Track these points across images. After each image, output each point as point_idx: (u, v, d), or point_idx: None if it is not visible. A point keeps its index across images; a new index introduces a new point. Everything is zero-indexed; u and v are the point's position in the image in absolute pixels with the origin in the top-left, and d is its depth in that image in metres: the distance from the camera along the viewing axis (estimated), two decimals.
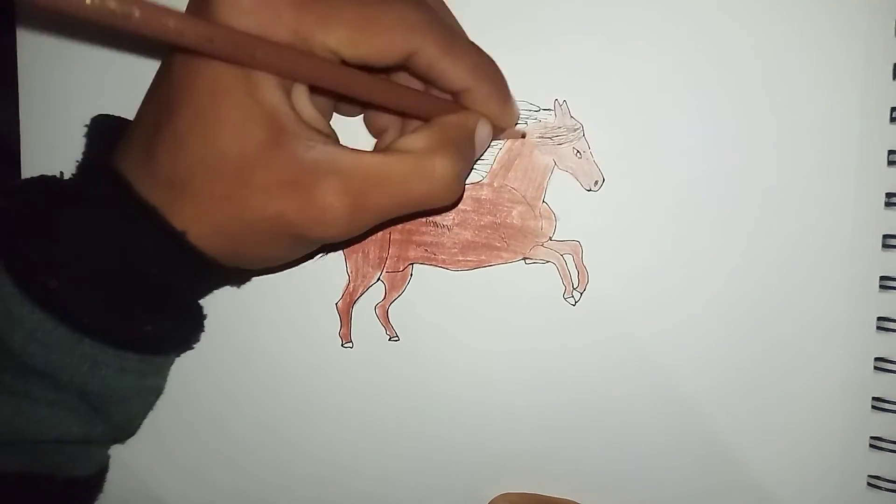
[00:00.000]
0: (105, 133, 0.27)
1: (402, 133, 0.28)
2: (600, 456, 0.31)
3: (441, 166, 0.25)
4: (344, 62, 0.24)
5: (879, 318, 0.30)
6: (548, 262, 0.31)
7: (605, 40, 0.30)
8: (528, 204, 0.31)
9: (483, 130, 0.27)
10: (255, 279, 0.31)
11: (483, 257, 0.31)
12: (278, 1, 0.22)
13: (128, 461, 0.32)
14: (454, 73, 0.25)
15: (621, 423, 0.31)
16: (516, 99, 0.29)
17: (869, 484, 0.30)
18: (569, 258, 0.31)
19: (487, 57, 0.27)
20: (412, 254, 0.31)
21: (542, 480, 0.31)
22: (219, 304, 0.31)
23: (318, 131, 0.24)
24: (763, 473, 0.31)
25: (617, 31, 0.30)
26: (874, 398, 0.30)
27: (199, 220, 0.24)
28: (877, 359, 0.30)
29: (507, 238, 0.31)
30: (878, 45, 0.29)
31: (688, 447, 0.31)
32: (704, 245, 0.30)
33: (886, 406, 0.30)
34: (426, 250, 0.31)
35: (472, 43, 0.27)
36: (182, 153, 0.24)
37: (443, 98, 0.27)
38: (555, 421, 0.31)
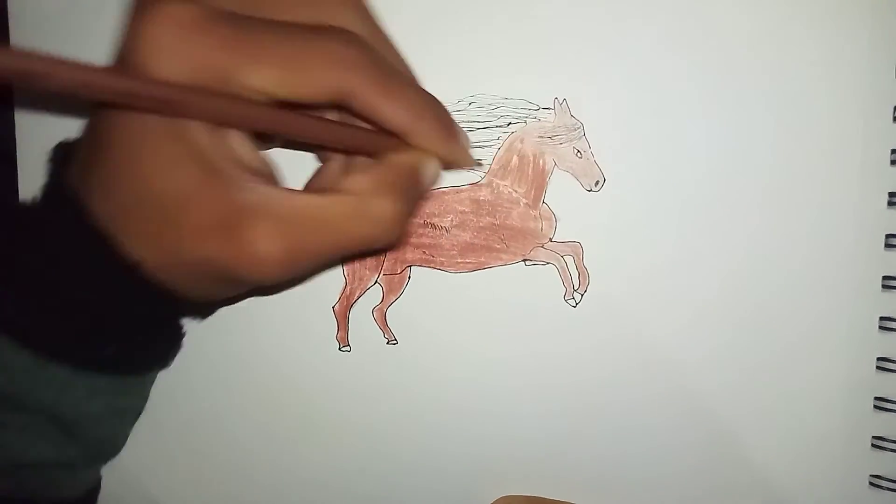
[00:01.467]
0: (67, 155, 0.27)
1: (347, 164, 0.27)
2: (602, 458, 0.31)
3: (381, 209, 0.24)
4: (277, 102, 0.23)
5: (882, 318, 0.30)
6: (548, 263, 0.31)
7: (606, 39, 0.30)
8: (528, 205, 0.31)
9: (429, 170, 0.26)
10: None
11: (482, 259, 0.31)
12: (202, 41, 0.22)
13: (127, 463, 0.32)
14: (392, 113, 0.24)
15: (623, 425, 0.31)
16: (516, 98, 0.29)
17: (871, 483, 0.30)
18: (569, 259, 0.30)
19: (427, 95, 0.26)
20: (410, 256, 0.31)
21: (543, 483, 0.31)
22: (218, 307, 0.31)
23: (256, 171, 0.24)
24: (765, 474, 0.31)
25: (618, 29, 0.30)
26: (876, 398, 0.30)
27: (148, 253, 0.24)
28: (879, 358, 0.30)
29: (507, 239, 0.31)
30: (880, 45, 0.29)
31: (690, 448, 0.31)
32: (706, 245, 0.30)
33: (889, 406, 0.30)
34: (424, 252, 0.31)
35: (413, 81, 0.26)
36: (119, 189, 0.23)
37: (386, 135, 0.25)
38: (556, 423, 0.31)
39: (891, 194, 0.29)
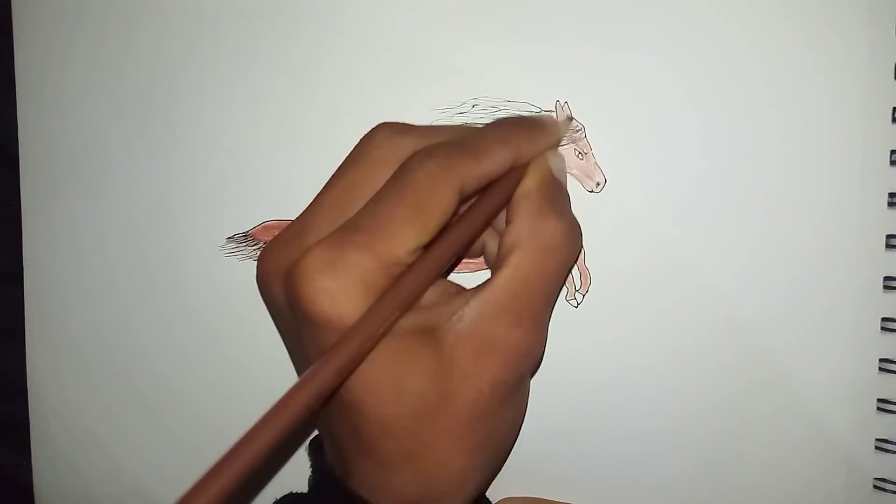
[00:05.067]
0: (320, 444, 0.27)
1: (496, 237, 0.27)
2: (603, 459, 0.31)
3: (552, 230, 0.24)
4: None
5: (884, 319, 0.30)
6: None
7: (607, 41, 0.30)
8: None
9: (553, 164, 0.26)
10: (254, 284, 0.31)
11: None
12: (363, 279, 0.22)
13: (126, 463, 0.32)
14: (491, 168, 0.24)
15: (624, 426, 0.31)
16: (518, 101, 0.29)
17: (875, 486, 0.30)
18: None
19: (489, 127, 0.26)
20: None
21: (545, 484, 0.31)
22: (219, 308, 0.31)
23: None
24: (768, 476, 0.30)
25: (619, 31, 0.30)
26: (879, 400, 0.30)
27: None
28: (881, 360, 0.30)
29: None
30: (880, 46, 0.29)
31: (692, 450, 0.31)
32: (707, 247, 0.30)
33: (892, 408, 0.30)
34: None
35: (470, 131, 0.26)
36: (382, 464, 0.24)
37: (498, 184, 0.25)
38: (558, 424, 0.31)
39: (891, 195, 0.29)
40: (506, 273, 0.24)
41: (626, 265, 0.30)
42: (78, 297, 0.33)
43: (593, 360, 0.31)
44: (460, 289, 0.26)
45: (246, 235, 0.32)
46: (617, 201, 0.30)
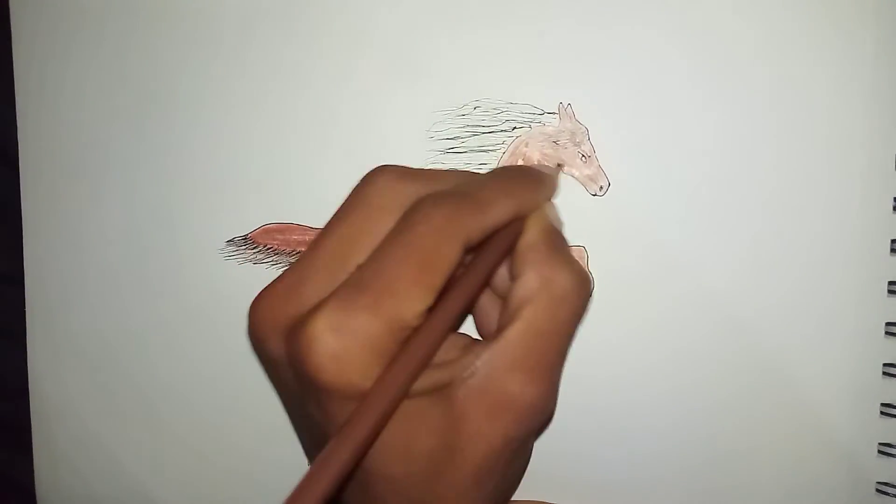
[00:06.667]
0: None
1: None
2: (604, 461, 0.31)
3: (563, 281, 0.23)
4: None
5: (888, 324, 0.29)
6: None
7: (611, 43, 0.30)
8: None
9: (552, 215, 0.26)
10: (254, 286, 0.31)
11: None
12: (371, 345, 0.21)
13: (127, 464, 0.32)
14: (497, 218, 0.23)
15: (626, 428, 0.31)
16: (521, 103, 0.29)
17: (878, 490, 0.30)
18: None
19: (491, 176, 0.25)
20: None
21: (546, 487, 0.31)
22: (219, 309, 0.31)
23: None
24: (771, 480, 0.30)
25: (622, 34, 0.30)
26: (883, 404, 0.30)
27: None
28: (885, 364, 0.30)
29: None
30: (885, 48, 0.29)
31: (694, 452, 0.31)
32: (710, 250, 0.30)
33: (895, 412, 0.30)
34: None
35: (471, 178, 0.25)
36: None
37: (502, 234, 0.24)
38: (560, 426, 0.31)
39: None
40: (518, 327, 0.23)
41: (628, 267, 0.30)
42: (78, 298, 0.33)
43: (596, 361, 0.31)
44: (469, 341, 0.25)
45: (245, 238, 0.32)
46: (619, 203, 0.30)
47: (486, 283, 0.24)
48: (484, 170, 0.30)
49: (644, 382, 0.30)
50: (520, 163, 0.30)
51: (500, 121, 0.31)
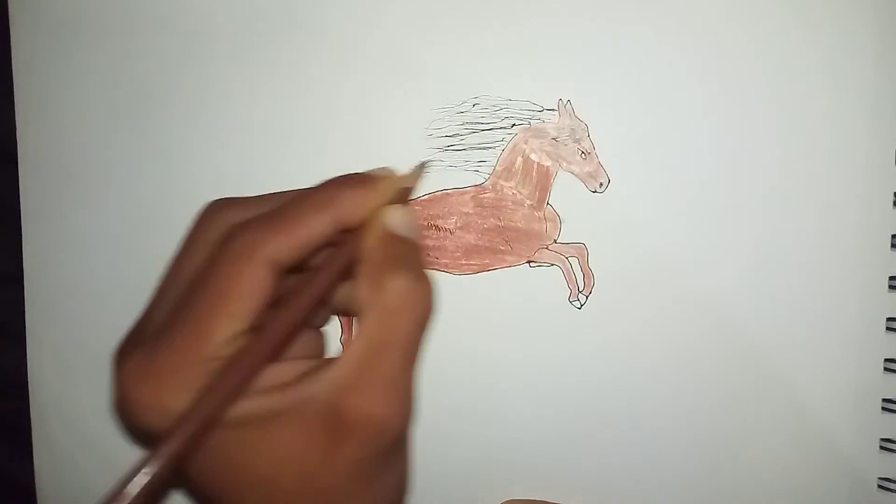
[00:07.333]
0: None
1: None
2: (605, 461, 0.31)
3: (395, 289, 0.22)
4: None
5: (889, 319, 0.29)
6: (553, 265, 0.30)
7: (610, 40, 0.30)
8: (533, 206, 0.30)
9: (393, 219, 0.24)
10: None
11: (487, 261, 0.31)
12: (181, 384, 0.21)
13: (127, 463, 0.32)
14: (313, 233, 0.23)
15: (627, 427, 0.31)
16: (520, 100, 0.29)
17: (879, 486, 0.30)
18: (574, 261, 0.30)
19: (316, 188, 0.24)
20: None
21: (547, 487, 0.31)
22: None
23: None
24: (772, 476, 0.30)
25: (622, 30, 0.30)
26: (884, 400, 0.30)
27: None
28: (887, 360, 0.30)
29: (511, 241, 0.31)
30: (884, 46, 0.29)
31: (696, 451, 0.31)
32: (711, 246, 0.30)
33: None
34: (428, 255, 0.31)
35: (301, 194, 0.24)
36: None
37: (340, 245, 0.24)
38: (561, 426, 0.31)
39: None
40: (355, 345, 0.22)
41: (628, 265, 0.30)
42: (78, 297, 0.33)
43: (597, 360, 0.30)
44: (317, 365, 0.23)
45: None
46: (620, 201, 0.30)
47: (322, 296, 0.23)
48: (483, 167, 0.30)
49: (645, 380, 0.30)
50: (519, 160, 0.30)
51: (500, 118, 0.30)
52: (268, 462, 0.22)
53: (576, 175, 0.30)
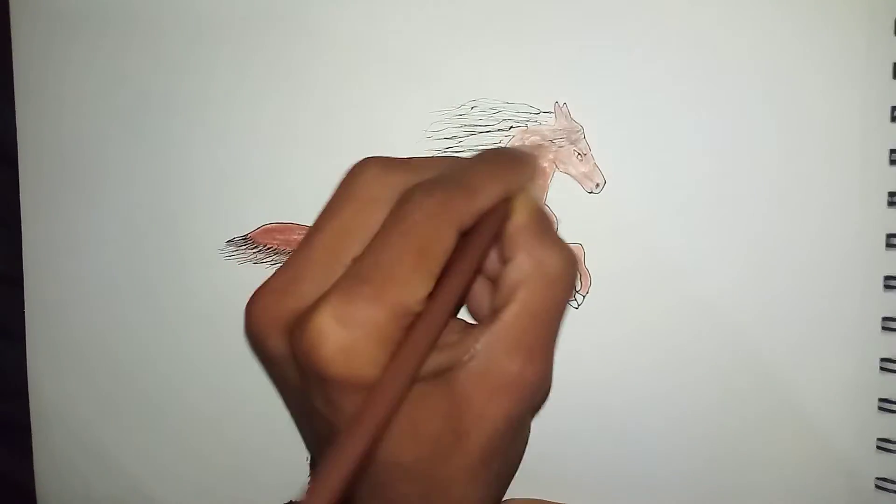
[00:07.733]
0: None
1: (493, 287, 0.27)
2: (603, 460, 0.31)
3: (555, 261, 0.24)
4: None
5: (884, 318, 0.29)
6: None
7: (606, 42, 0.30)
8: None
9: (536, 197, 0.25)
10: (254, 284, 0.31)
11: None
12: (377, 335, 0.21)
13: (127, 464, 0.32)
14: (484, 203, 0.23)
15: (624, 427, 0.31)
16: (517, 102, 0.29)
17: (877, 486, 0.30)
18: None
19: (481, 159, 0.25)
20: None
21: (547, 486, 0.31)
22: (221, 308, 0.31)
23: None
24: (769, 476, 0.30)
25: (618, 32, 0.30)
26: (880, 399, 0.30)
27: None
28: (882, 359, 0.30)
29: None
30: (878, 45, 0.29)
31: (692, 450, 0.31)
32: (707, 246, 0.30)
33: (893, 407, 0.30)
34: None
35: (457, 164, 0.25)
36: None
37: (489, 217, 0.24)
38: (557, 425, 0.31)
39: (891, 194, 0.29)
40: (514, 309, 0.23)
41: (625, 265, 0.30)
42: (78, 298, 0.33)
43: (594, 360, 0.31)
44: (465, 325, 0.25)
45: (245, 238, 0.32)
46: (616, 202, 0.30)
47: (480, 266, 0.25)
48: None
49: (642, 380, 0.30)
50: None
51: (497, 120, 0.31)
52: (431, 419, 0.23)
53: (572, 176, 0.30)
